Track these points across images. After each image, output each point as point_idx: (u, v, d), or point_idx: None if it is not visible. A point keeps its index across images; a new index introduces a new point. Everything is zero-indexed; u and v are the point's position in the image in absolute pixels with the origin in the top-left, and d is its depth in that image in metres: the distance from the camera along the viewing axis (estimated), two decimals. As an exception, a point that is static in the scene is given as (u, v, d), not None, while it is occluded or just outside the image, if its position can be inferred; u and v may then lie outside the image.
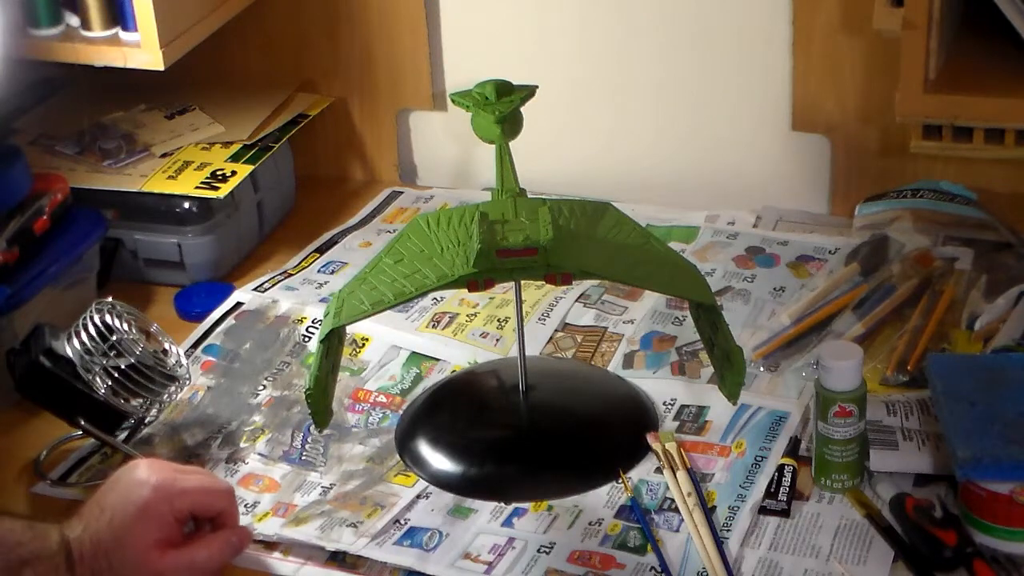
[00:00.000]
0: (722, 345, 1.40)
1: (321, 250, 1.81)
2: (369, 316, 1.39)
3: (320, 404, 1.39)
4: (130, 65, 1.70)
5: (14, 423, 1.54)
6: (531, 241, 1.33)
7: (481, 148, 1.92)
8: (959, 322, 1.53)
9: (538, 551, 1.34)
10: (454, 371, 1.58)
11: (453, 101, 1.53)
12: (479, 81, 1.53)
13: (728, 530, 1.34)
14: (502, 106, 1.49)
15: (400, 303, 1.39)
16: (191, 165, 1.78)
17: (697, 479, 1.39)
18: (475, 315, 1.65)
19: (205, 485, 1.31)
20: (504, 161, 1.47)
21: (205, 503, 1.30)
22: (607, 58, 1.84)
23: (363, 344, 1.62)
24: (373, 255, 1.44)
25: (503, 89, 1.51)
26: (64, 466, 1.49)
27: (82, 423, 1.47)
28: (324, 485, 1.44)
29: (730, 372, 1.40)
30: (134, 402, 1.48)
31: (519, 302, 1.47)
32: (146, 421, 1.51)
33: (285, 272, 1.76)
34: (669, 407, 1.50)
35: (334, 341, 1.41)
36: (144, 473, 1.28)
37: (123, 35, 1.70)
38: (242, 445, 1.49)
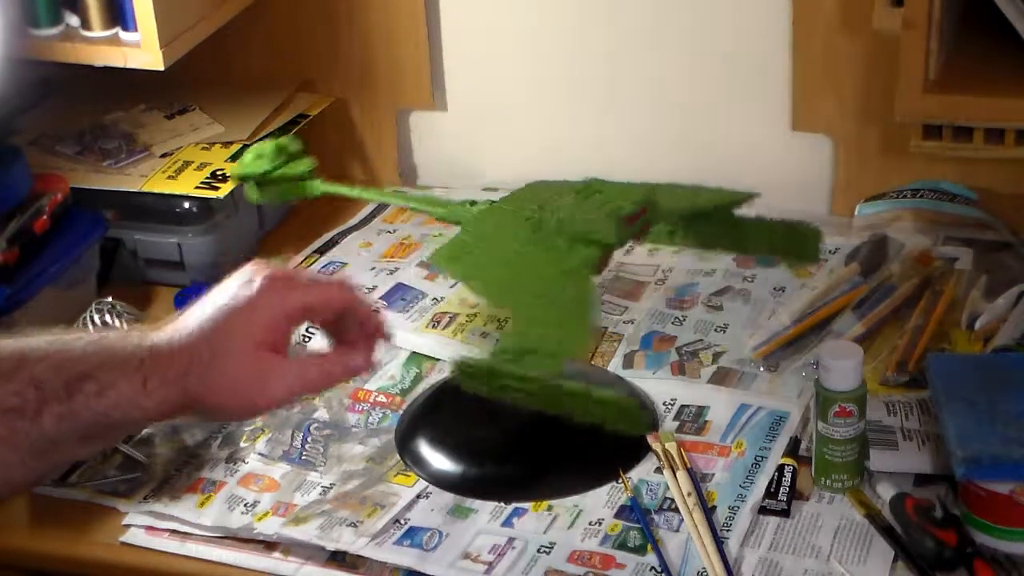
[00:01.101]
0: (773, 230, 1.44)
1: (321, 251, 1.81)
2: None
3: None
4: (130, 65, 1.70)
5: (14, 423, 1.54)
6: (637, 204, 1.38)
7: (481, 148, 1.93)
8: (959, 322, 1.53)
9: (538, 551, 1.34)
10: (454, 371, 1.58)
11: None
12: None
13: (728, 530, 1.34)
14: None
15: None
16: (191, 165, 1.78)
17: (697, 479, 1.39)
18: (475, 315, 1.65)
19: (316, 279, 1.20)
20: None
21: (321, 298, 1.18)
22: (606, 57, 1.84)
23: (363, 344, 1.62)
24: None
25: None
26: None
27: (82, 423, 1.46)
28: (324, 485, 1.44)
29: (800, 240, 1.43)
30: (134, 402, 1.48)
31: (519, 302, 1.47)
32: (146, 421, 1.51)
33: (285, 272, 1.76)
34: (669, 407, 1.50)
35: None
36: (251, 271, 1.17)
37: (123, 35, 1.70)
38: (242, 445, 1.49)
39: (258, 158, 1.55)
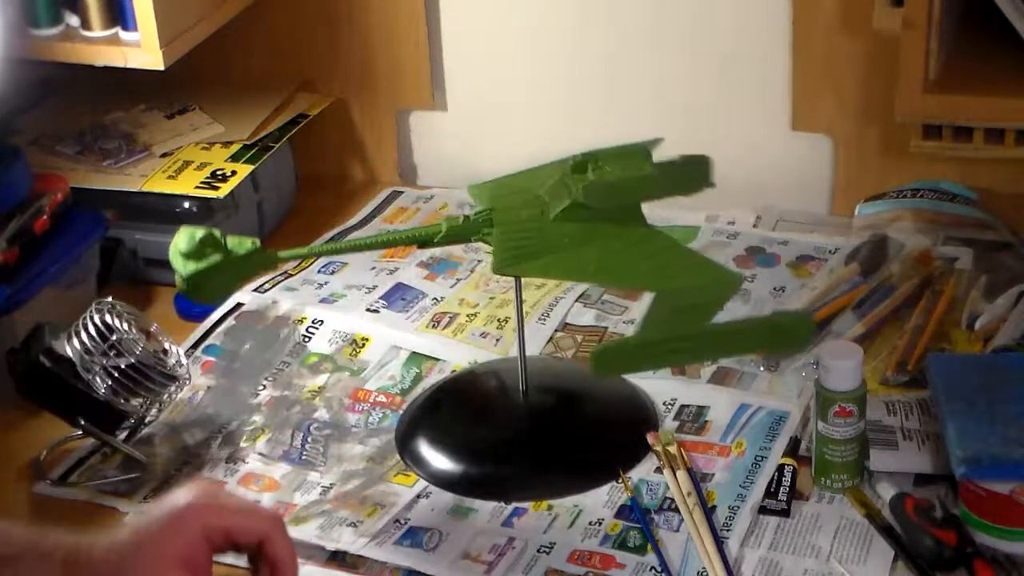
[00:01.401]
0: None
1: (321, 250, 1.81)
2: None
3: None
4: (130, 65, 1.70)
5: (14, 423, 1.54)
6: (649, 160, 1.40)
7: (481, 148, 1.93)
8: (959, 322, 1.53)
9: (538, 551, 1.34)
10: (454, 371, 1.58)
11: None
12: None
13: (728, 530, 1.34)
14: None
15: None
16: (191, 165, 1.78)
17: (697, 479, 1.39)
18: (475, 315, 1.65)
19: (247, 506, 1.21)
20: None
21: (245, 524, 1.16)
22: (606, 57, 1.84)
23: (363, 344, 1.62)
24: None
25: None
26: (64, 466, 1.49)
27: (82, 423, 1.47)
28: (324, 485, 1.44)
29: None
30: (134, 402, 1.48)
31: (519, 302, 1.47)
32: (146, 421, 1.51)
33: (285, 273, 1.76)
34: (669, 407, 1.50)
35: None
36: (184, 489, 1.18)
37: (123, 35, 1.70)
38: (242, 445, 1.49)
39: (197, 255, 1.36)
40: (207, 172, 1.77)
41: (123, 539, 1.15)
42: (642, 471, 1.42)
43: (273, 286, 1.73)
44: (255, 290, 1.71)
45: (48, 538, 1.15)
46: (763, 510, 1.36)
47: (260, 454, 1.48)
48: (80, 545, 1.15)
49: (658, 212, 1.81)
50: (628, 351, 1.38)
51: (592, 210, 1.38)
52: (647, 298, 1.65)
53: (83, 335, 1.47)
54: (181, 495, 1.17)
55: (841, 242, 1.71)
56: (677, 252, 1.40)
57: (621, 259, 1.38)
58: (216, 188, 1.74)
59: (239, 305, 1.69)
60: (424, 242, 1.42)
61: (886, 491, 1.35)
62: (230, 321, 1.67)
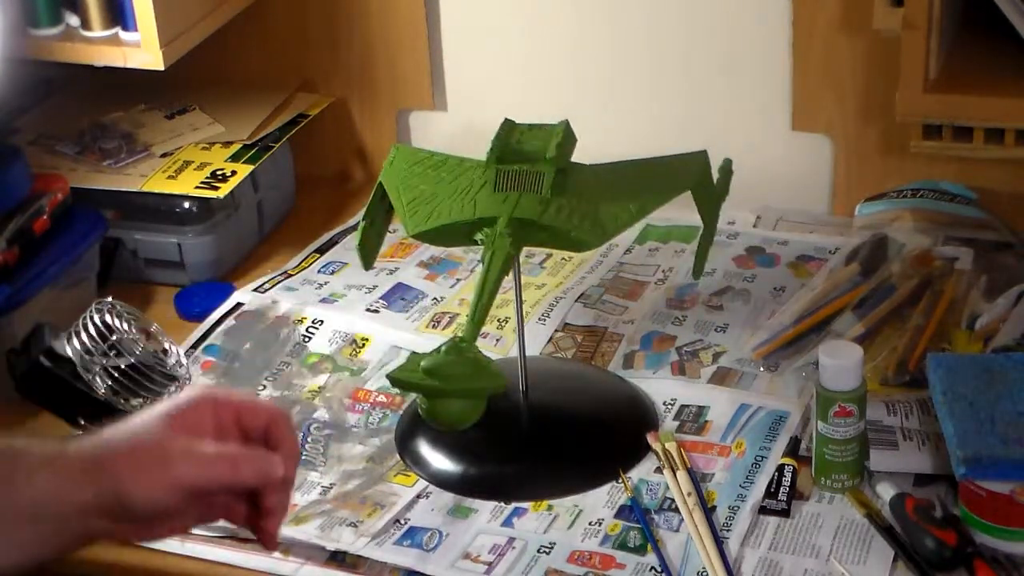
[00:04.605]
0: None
1: (321, 250, 1.81)
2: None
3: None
4: (130, 65, 1.70)
5: (14, 423, 1.54)
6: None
7: (481, 148, 1.92)
8: (959, 322, 1.53)
9: (538, 551, 1.34)
10: (454, 371, 1.58)
11: None
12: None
13: (728, 530, 1.34)
14: None
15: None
16: (191, 165, 1.78)
17: (697, 479, 1.39)
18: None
19: (254, 397, 1.21)
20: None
21: (253, 405, 1.16)
22: (606, 57, 1.84)
23: (363, 344, 1.62)
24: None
25: None
26: (64, 466, 1.48)
27: (82, 423, 1.47)
28: (324, 485, 1.44)
29: None
30: (134, 402, 1.48)
31: (519, 302, 1.47)
32: (146, 421, 1.51)
33: (285, 272, 1.76)
34: (669, 407, 1.50)
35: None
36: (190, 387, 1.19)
37: (123, 35, 1.70)
38: (242, 445, 1.49)
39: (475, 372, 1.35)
40: (207, 172, 1.77)
41: (123, 429, 1.12)
42: (642, 471, 1.42)
43: (273, 286, 1.73)
44: (255, 290, 1.71)
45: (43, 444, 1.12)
46: (763, 510, 1.36)
47: (260, 454, 1.48)
48: (73, 446, 1.12)
49: (659, 213, 1.81)
50: (705, 249, 1.53)
51: (563, 171, 1.44)
52: (646, 297, 1.66)
53: (83, 335, 1.47)
54: (188, 390, 1.17)
55: (841, 242, 1.71)
56: (648, 163, 1.53)
57: (644, 187, 1.48)
58: (216, 188, 1.74)
59: (239, 305, 1.69)
60: (505, 270, 1.40)
61: (886, 491, 1.35)
62: (230, 321, 1.66)
